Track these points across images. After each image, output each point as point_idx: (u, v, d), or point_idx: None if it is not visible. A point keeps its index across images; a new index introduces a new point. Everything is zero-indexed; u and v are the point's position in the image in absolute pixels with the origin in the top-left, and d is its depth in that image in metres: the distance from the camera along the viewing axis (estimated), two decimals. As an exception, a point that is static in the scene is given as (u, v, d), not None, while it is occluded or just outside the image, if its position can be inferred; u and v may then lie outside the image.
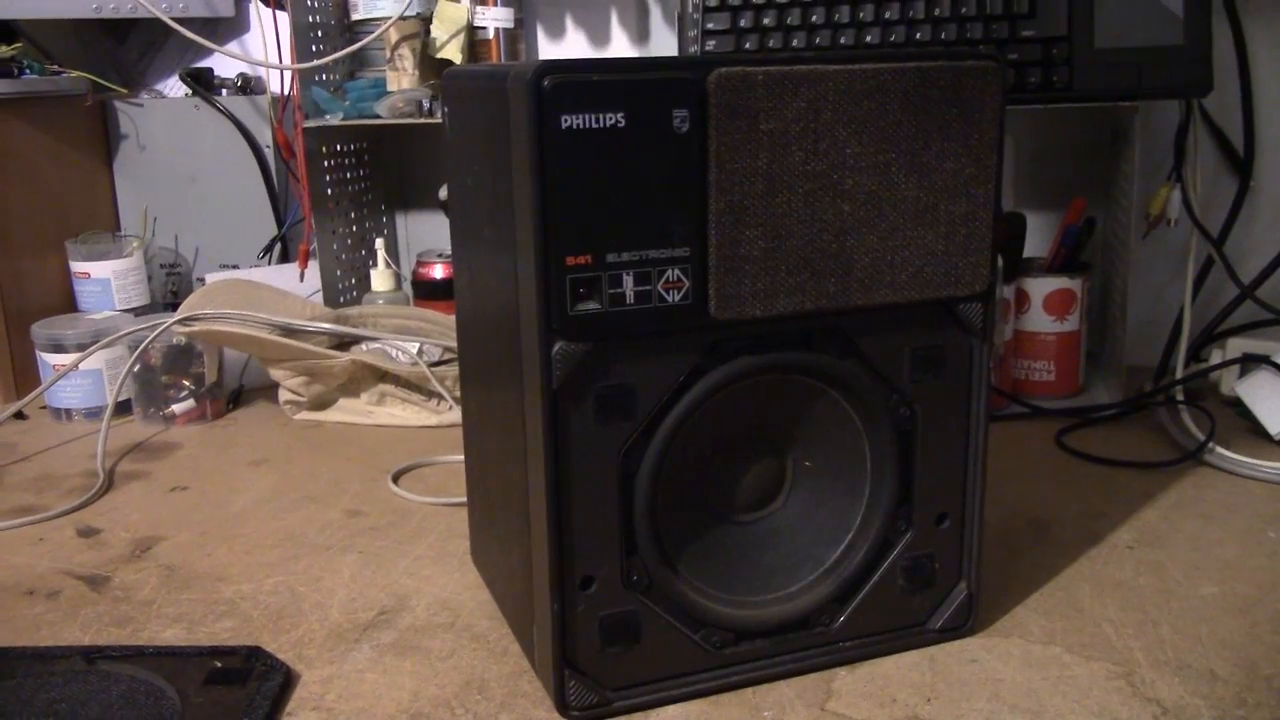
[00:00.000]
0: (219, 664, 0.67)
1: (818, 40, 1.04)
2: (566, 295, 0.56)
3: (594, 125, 0.54)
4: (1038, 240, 1.23)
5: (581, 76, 0.54)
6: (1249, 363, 1.09)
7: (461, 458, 1.02)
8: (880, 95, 0.59)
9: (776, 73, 0.57)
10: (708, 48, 1.06)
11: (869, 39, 1.04)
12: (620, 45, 1.33)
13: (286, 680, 0.66)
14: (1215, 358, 1.13)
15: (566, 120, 0.54)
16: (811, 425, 0.66)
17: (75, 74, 1.31)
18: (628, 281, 0.57)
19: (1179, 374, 1.10)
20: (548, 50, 1.34)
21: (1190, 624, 0.71)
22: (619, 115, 0.55)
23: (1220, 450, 0.97)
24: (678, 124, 0.56)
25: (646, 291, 0.57)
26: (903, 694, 0.64)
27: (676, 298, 0.58)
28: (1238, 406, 1.06)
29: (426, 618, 0.74)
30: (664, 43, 1.31)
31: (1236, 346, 1.11)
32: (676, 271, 0.58)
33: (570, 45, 1.34)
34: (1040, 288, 1.12)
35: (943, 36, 1.03)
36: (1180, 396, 1.08)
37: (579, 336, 0.57)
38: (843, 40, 1.04)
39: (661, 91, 0.55)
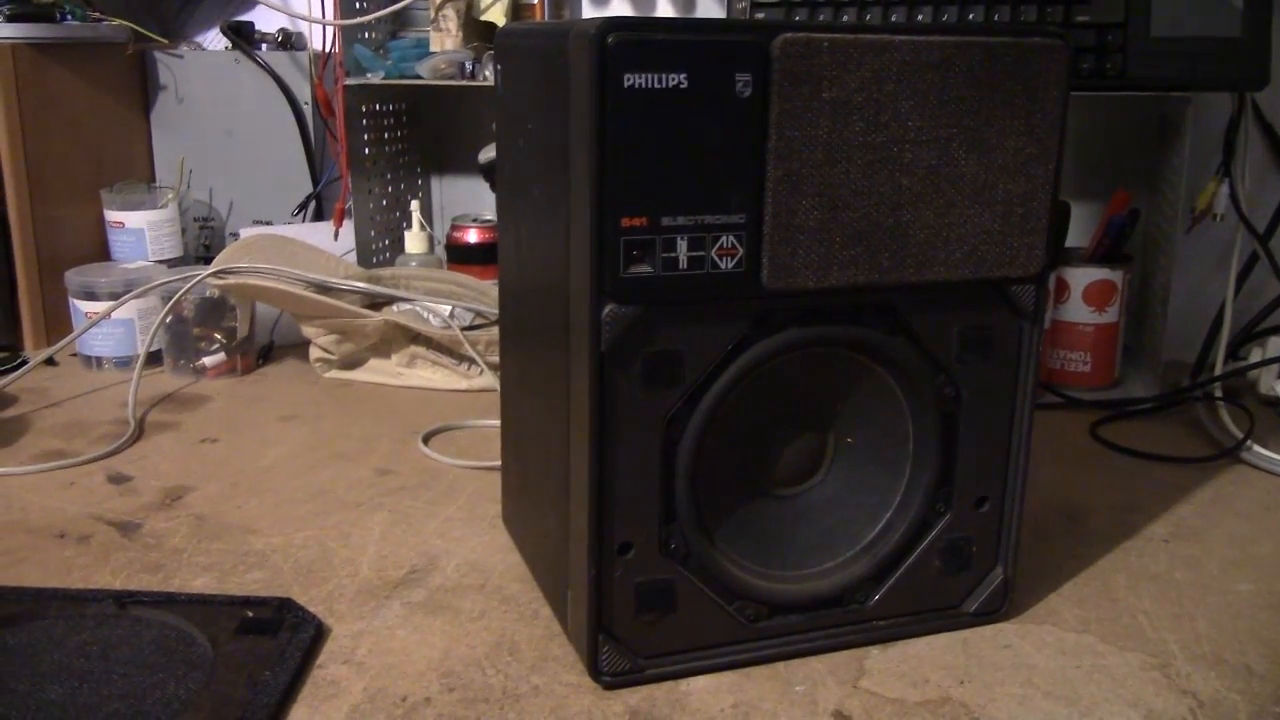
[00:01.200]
0: (251, 614, 0.67)
1: (868, 17, 1.03)
2: (620, 257, 0.55)
3: (656, 85, 0.54)
4: (1080, 230, 1.22)
5: (646, 35, 0.53)
6: (1289, 362, 1.08)
7: (492, 422, 1.02)
8: (945, 69, 0.58)
9: (842, 40, 0.56)
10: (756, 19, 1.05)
11: (920, 18, 1.02)
12: (665, 14, 1.31)
13: (318, 633, 0.66)
14: (1255, 356, 1.12)
15: (629, 79, 0.53)
16: (856, 402, 0.65)
17: (116, 22, 1.30)
18: (681, 246, 0.56)
19: (1218, 370, 1.09)
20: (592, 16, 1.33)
21: (1226, 619, 0.70)
22: (681, 76, 0.54)
23: (1258, 449, 0.96)
24: (740, 88, 0.55)
25: (700, 257, 0.57)
26: (935, 675, 0.64)
27: (729, 265, 0.57)
28: (1276, 406, 1.05)
29: (457, 578, 0.74)
30: (709, 13, 1.30)
31: (1277, 345, 1.10)
32: (731, 238, 0.57)
33: (615, 12, 1.32)
34: (1080, 278, 1.10)
35: (995, 19, 1.01)
36: (1218, 393, 1.07)
37: (630, 300, 0.56)
38: (894, 18, 1.02)
39: (725, 54, 0.54)
